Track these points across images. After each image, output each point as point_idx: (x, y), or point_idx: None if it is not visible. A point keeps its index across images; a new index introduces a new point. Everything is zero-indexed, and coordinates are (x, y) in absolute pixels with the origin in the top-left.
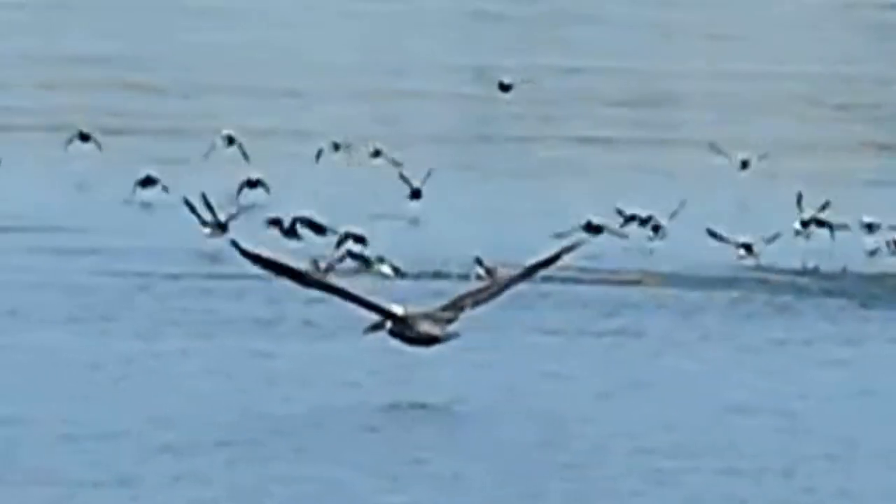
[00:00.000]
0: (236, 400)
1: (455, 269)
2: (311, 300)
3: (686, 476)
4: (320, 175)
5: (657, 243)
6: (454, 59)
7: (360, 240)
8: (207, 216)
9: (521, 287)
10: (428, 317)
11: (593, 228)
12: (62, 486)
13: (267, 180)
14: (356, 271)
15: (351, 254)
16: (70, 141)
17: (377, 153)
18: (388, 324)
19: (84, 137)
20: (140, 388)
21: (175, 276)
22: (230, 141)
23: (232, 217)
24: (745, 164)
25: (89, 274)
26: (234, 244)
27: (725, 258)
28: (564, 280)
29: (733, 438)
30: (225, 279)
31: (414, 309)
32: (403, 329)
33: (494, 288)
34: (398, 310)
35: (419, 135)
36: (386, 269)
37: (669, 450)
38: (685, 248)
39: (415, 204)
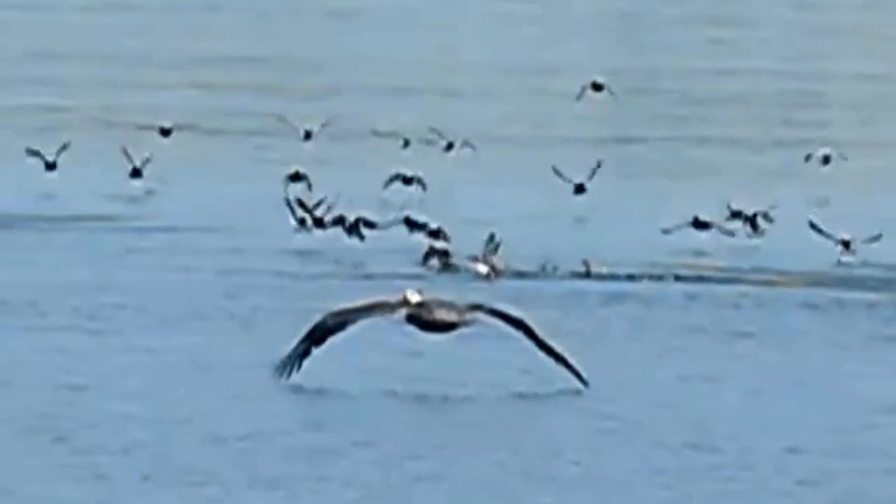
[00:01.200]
0: (382, 400)
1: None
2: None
3: (837, 477)
4: (466, 174)
5: (756, 241)
6: (598, 60)
7: (439, 236)
8: (301, 214)
9: (660, 286)
10: (445, 304)
11: (700, 224)
12: (213, 487)
13: (423, 178)
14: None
15: (435, 251)
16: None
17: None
18: (405, 310)
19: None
20: (289, 388)
21: (317, 277)
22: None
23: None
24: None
25: (241, 273)
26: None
27: (834, 256)
28: (701, 279)
29: (885, 439)
30: (365, 279)
31: (431, 296)
32: (420, 315)
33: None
34: (415, 297)
35: (561, 135)
36: (482, 268)
37: (822, 450)
38: (788, 245)
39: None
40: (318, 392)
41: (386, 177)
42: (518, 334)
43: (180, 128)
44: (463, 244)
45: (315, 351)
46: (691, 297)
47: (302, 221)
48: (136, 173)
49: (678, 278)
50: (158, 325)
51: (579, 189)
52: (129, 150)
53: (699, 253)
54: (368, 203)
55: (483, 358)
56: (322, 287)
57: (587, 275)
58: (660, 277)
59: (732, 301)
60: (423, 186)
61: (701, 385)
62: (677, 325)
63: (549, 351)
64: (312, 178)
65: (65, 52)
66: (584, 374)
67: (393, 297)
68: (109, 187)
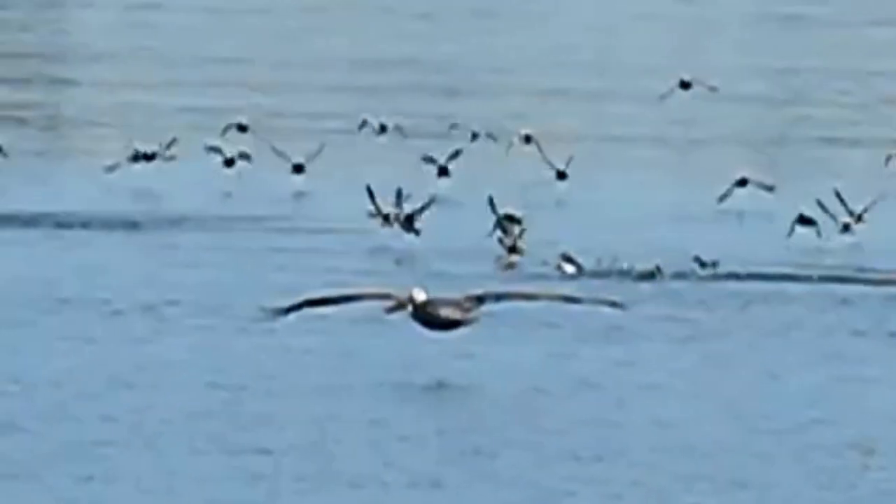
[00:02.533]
0: (532, 399)
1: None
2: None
3: None
4: (617, 175)
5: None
6: (751, 61)
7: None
8: (384, 207)
9: (786, 286)
10: (450, 303)
11: (805, 221)
12: (371, 488)
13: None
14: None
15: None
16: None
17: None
18: (410, 308)
19: (383, 129)
20: (445, 390)
21: (473, 276)
22: (527, 140)
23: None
24: None
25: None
26: None
27: None
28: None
29: None
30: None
31: (436, 294)
32: (425, 313)
33: (522, 292)
34: (420, 295)
35: (716, 136)
36: (569, 267)
37: None
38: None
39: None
40: (469, 393)
41: (535, 176)
42: (539, 304)
43: (335, 131)
44: (614, 247)
45: (305, 309)
46: (842, 298)
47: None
48: (298, 169)
49: (823, 279)
50: (313, 325)
51: (741, 183)
52: (290, 151)
53: (829, 252)
54: (513, 204)
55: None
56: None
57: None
58: (808, 278)
59: (883, 300)
60: (564, 178)
61: (856, 385)
62: (826, 325)
63: (576, 300)
64: (458, 178)
65: (234, 56)
66: (616, 300)
67: (400, 295)
68: (276, 187)
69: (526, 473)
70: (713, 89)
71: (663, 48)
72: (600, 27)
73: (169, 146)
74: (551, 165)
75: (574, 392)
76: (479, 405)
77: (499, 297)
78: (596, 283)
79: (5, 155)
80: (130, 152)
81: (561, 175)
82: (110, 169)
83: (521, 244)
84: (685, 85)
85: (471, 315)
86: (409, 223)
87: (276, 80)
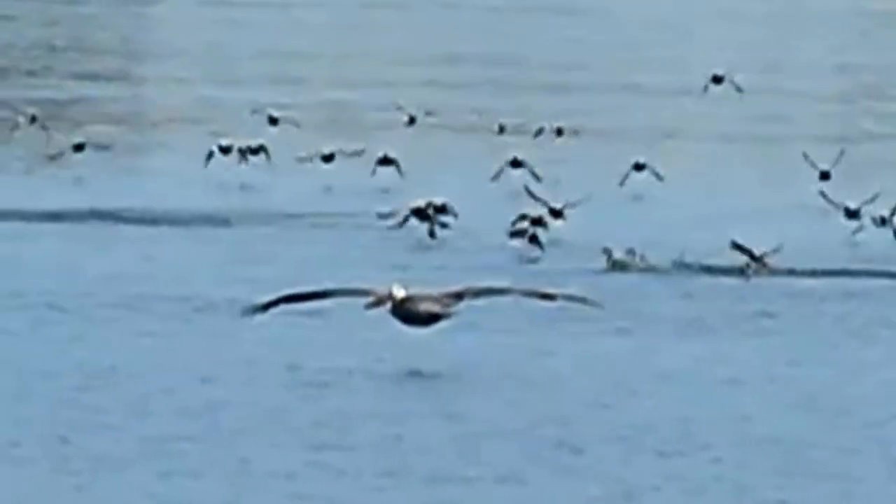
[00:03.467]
0: (618, 397)
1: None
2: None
3: None
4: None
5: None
6: (834, 58)
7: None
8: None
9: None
10: (429, 298)
11: (851, 214)
12: (451, 484)
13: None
14: None
15: (532, 238)
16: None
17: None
18: (390, 304)
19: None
20: (530, 384)
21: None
22: (594, 134)
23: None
24: None
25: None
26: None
27: None
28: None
29: None
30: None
31: (415, 290)
32: (404, 309)
33: (500, 287)
34: (400, 291)
35: (794, 132)
36: (632, 260)
37: None
38: None
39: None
40: (551, 387)
41: (623, 174)
42: (516, 298)
43: (419, 124)
44: (688, 241)
45: (282, 305)
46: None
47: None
48: (385, 161)
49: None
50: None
51: (824, 176)
52: (372, 145)
53: None
54: (610, 198)
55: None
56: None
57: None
58: (885, 274)
59: None
60: (659, 178)
61: None
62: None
63: (550, 297)
64: (541, 174)
65: (308, 51)
66: (590, 298)
67: (379, 291)
68: (360, 182)
69: (610, 468)
70: (789, 86)
71: (741, 44)
72: (676, 23)
73: (257, 148)
74: (625, 160)
75: (656, 387)
76: (561, 400)
77: (478, 293)
78: (660, 277)
79: (89, 151)
80: (211, 147)
81: (639, 167)
82: (192, 164)
83: (542, 237)
84: (760, 81)
85: (451, 310)
86: (556, 215)
87: (349, 76)
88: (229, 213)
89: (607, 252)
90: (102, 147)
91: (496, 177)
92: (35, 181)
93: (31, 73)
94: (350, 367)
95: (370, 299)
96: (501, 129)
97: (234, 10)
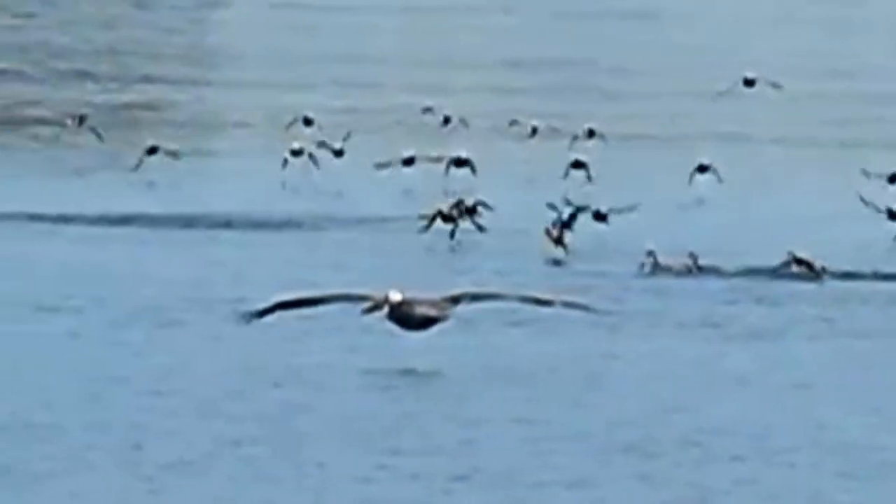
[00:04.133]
0: (690, 401)
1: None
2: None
3: None
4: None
5: None
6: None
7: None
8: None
9: None
10: (425, 302)
11: (893, 215)
12: (522, 488)
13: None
14: None
15: (558, 240)
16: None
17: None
18: (387, 308)
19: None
20: (600, 388)
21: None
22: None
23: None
24: None
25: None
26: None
27: None
28: None
29: None
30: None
31: (412, 294)
32: (401, 313)
33: (497, 292)
34: (396, 296)
35: (866, 137)
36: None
37: None
38: None
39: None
40: (620, 390)
41: (689, 173)
42: (513, 304)
43: (487, 129)
44: (754, 245)
45: (279, 311)
46: None
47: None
48: (460, 163)
49: None
50: (469, 327)
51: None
52: (442, 148)
53: None
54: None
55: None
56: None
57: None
58: None
59: None
60: (719, 178)
61: None
62: None
63: (546, 302)
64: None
65: (378, 55)
66: (584, 303)
67: (376, 296)
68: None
69: (682, 473)
70: (863, 89)
71: (808, 49)
72: (740, 27)
73: (339, 150)
74: (688, 163)
75: (726, 391)
76: (633, 404)
77: (474, 297)
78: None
79: (160, 155)
80: (285, 154)
81: (702, 169)
82: (262, 168)
83: (567, 239)
84: (830, 85)
85: (446, 313)
86: (600, 218)
87: (418, 80)
88: (301, 216)
89: (651, 255)
90: (172, 152)
91: (565, 175)
92: (108, 185)
93: (95, 78)
94: (422, 371)
95: (367, 304)
96: (569, 134)
97: (301, 14)
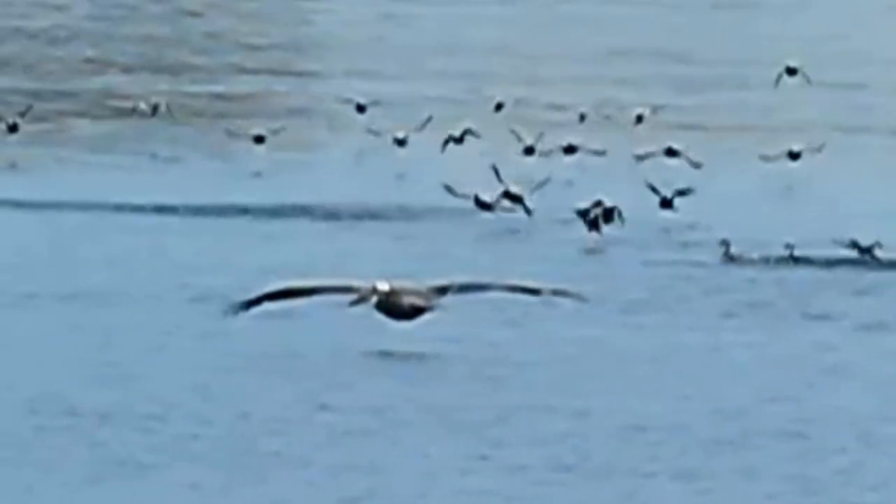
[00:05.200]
0: (791, 392)
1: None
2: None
3: None
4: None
5: None
6: None
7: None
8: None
9: None
10: (412, 292)
11: None
12: (630, 478)
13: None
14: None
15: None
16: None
17: None
18: (374, 298)
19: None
20: (703, 380)
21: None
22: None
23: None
24: None
25: (644, 265)
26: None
27: None
28: None
29: None
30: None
31: (399, 284)
32: (389, 303)
33: (484, 282)
34: (384, 286)
35: None
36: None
37: None
38: None
39: None
40: (732, 381)
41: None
42: (501, 294)
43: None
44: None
45: (267, 304)
46: None
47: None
48: (570, 148)
49: None
50: (576, 316)
51: None
52: (539, 145)
53: None
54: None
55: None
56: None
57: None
58: None
59: None
60: (797, 159)
61: None
62: None
63: (535, 291)
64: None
65: (480, 46)
66: (575, 290)
67: (363, 287)
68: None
69: (787, 464)
70: None
71: None
72: (856, 19)
73: (460, 137)
74: (781, 149)
75: (831, 381)
76: (737, 394)
77: (462, 288)
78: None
79: (266, 144)
80: (387, 141)
81: (793, 156)
82: (361, 158)
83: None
84: None
85: (433, 303)
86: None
87: (518, 71)
88: (405, 206)
89: (725, 244)
90: (273, 142)
91: (642, 159)
92: (212, 175)
93: (197, 68)
94: (527, 361)
95: (355, 296)
96: (671, 122)
97: (399, 5)
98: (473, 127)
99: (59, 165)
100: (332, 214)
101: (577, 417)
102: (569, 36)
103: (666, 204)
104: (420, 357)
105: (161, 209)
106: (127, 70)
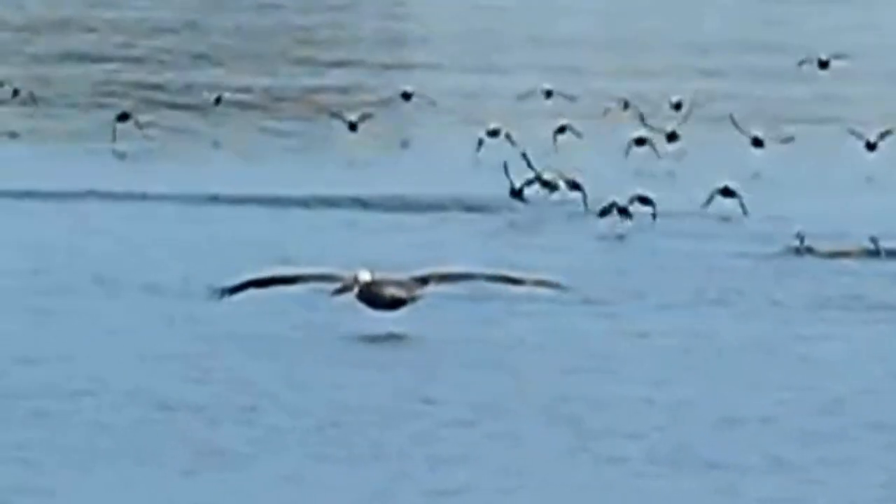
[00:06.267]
0: (880, 386)
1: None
2: None
3: None
4: None
5: None
6: None
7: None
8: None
9: None
10: (394, 282)
11: None
12: (724, 472)
13: None
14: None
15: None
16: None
17: None
18: (356, 288)
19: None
20: (797, 372)
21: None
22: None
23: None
24: None
25: (726, 256)
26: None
27: None
28: None
29: None
30: None
31: (381, 275)
32: (370, 293)
33: (465, 272)
34: (365, 276)
35: None
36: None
37: None
38: None
39: None
40: (822, 375)
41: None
42: (481, 284)
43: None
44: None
45: (251, 290)
46: None
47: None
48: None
49: None
50: (661, 308)
51: None
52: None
53: None
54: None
55: None
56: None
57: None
58: None
59: None
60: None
61: None
62: None
63: (515, 281)
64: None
65: (569, 38)
66: (554, 280)
67: (345, 276)
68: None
69: (884, 457)
70: None
71: None
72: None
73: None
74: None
75: None
76: (822, 387)
77: (443, 278)
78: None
79: (359, 132)
80: (479, 135)
81: (870, 146)
82: (459, 151)
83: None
84: None
85: (415, 293)
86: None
87: (616, 63)
88: (504, 199)
89: (800, 237)
90: (366, 132)
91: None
92: (313, 167)
93: (293, 61)
94: (621, 354)
95: (337, 285)
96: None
97: None
98: (570, 121)
99: (155, 156)
100: (428, 206)
101: (673, 409)
102: (658, 28)
103: (728, 194)
104: (521, 347)
105: (261, 200)
106: (224, 64)
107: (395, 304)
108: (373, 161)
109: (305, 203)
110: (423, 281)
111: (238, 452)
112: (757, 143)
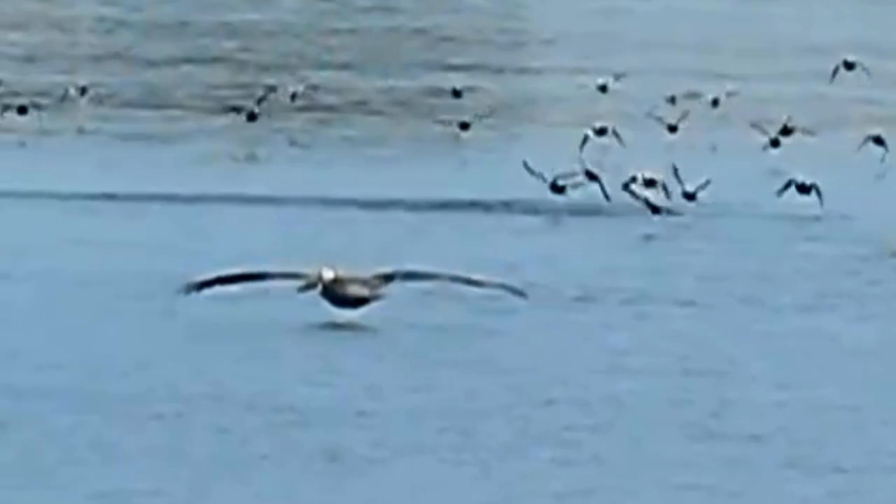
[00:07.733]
0: None
1: None
2: None
3: None
4: None
5: None
6: None
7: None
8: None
9: None
10: (357, 280)
11: None
12: (846, 475)
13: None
14: None
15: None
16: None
17: None
18: (321, 286)
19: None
20: None
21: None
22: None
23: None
24: None
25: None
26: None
27: None
28: None
29: None
30: None
31: (343, 272)
32: (333, 291)
33: (429, 271)
34: (329, 274)
35: None
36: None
37: None
38: None
39: None
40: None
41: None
42: (444, 284)
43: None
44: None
45: (217, 287)
46: None
47: None
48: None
49: None
50: (782, 309)
51: None
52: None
53: None
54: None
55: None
56: None
57: None
58: None
59: None
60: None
61: None
62: None
63: (478, 283)
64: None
65: (695, 42)
66: (517, 287)
67: (309, 273)
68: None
69: None
70: None
71: None
72: None
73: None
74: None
75: None
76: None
77: (407, 276)
78: None
79: (473, 131)
80: (583, 137)
81: (878, 141)
82: (572, 153)
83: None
84: None
85: (378, 292)
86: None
87: (736, 67)
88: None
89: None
90: (481, 136)
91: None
92: (424, 169)
93: (408, 63)
94: (741, 357)
95: (302, 283)
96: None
97: (614, 1)
98: (677, 121)
99: (261, 161)
100: (545, 210)
101: (795, 410)
102: (771, 32)
103: (804, 190)
104: (646, 352)
105: (389, 203)
106: (333, 66)
107: (358, 302)
108: (487, 163)
109: (415, 206)
110: (387, 278)
111: (361, 456)
112: (878, 141)
